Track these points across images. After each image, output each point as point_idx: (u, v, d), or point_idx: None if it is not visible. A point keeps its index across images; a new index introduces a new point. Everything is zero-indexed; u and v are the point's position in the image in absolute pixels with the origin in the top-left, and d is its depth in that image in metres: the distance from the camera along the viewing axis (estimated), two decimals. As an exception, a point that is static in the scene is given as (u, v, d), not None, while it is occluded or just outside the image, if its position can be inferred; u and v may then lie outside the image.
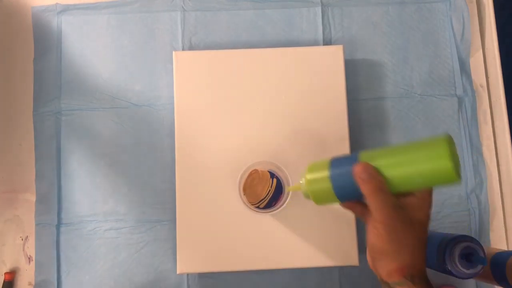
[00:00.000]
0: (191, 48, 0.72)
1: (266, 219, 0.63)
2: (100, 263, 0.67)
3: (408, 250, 0.40)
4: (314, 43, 0.72)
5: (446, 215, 0.68)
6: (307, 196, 0.44)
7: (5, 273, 0.66)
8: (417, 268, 0.40)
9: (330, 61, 0.66)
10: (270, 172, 0.62)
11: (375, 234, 0.40)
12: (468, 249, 0.52)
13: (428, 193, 0.41)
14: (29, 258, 0.67)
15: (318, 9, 0.73)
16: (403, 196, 0.41)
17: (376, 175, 0.39)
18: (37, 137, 0.70)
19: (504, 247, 0.68)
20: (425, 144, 0.39)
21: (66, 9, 0.73)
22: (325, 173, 0.42)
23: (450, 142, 0.38)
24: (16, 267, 0.67)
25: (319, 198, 0.43)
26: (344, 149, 0.64)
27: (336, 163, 0.43)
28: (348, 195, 0.42)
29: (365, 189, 0.39)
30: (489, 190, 0.69)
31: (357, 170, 0.40)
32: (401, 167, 0.40)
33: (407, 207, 0.40)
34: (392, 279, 0.40)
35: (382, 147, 0.43)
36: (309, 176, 0.43)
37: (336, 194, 0.42)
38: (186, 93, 0.66)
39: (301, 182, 0.45)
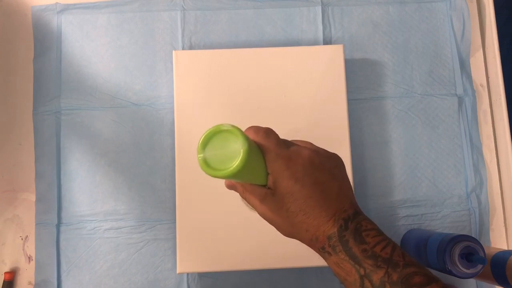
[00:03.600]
0: (191, 47, 0.72)
1: (266, 219, 0.63)
2: (100, 263, 0.67)
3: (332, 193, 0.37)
4: (314, 42, 0.72)
5: (446, 215, 0.68)
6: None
7: (5, 273, 0.66)
8: (351, 207, 0.37)
9: (330, 61, 0.66)
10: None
11: (292, 193, 0.36)
12: (468, 249, 0.52)
13: (272, 161, 0.37)
14: (29, 258, 0.67)
15: (318, 9, 0.73)
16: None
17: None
18: (37, 136, 0.70)
19: (504, 247, 0.68)
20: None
21: (66, 8, 0.72)
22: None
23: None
24: (16, 267, 0.67)
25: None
26: (344, 149, 0.64)
27: None
28: None
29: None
30: (489, 190, 0.69)
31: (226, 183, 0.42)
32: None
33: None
34: (327, 230, 0.36)
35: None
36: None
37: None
38: (186, 93, 0.65)
39: None
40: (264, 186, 0.39)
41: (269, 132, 0.37)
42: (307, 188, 0.36)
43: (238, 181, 0.40)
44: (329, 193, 0.37)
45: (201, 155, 0.35)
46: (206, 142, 0.35)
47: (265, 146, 0.37)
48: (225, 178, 0.36)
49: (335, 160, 0.40)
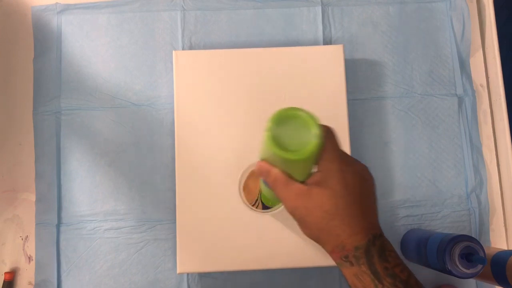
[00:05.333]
0: (191, 47, 0.72)
1: (266, 219, 0.63)
2: (100, 263, 0.67)
3: (371, 208, 0.39)
4: (314, 42, 0.72)
5: (446, 215, 0.68)
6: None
7: (5, 273, 0.66)
8: (378, 227, 0.39)
9: (330, 61, 0.66)
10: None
11: (336, 189, 0.37)
12: (468, 249, 0.52)
13: (329, 161, 0.38)
14: (29, 258, 0.67)
15: (318, 9, 0.73)
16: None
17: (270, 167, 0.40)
18: (37, 136, 0.70)
19: (504, 247, 0.68)
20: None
21: (66, 8, 0.72)
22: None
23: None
24: (16, 267, 0.67)
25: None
26: (344, 149, 0.64)
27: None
28: None
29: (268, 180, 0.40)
30: (489, 190, 0.69)
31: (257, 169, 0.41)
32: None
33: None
34: (357, 241, 0.37)
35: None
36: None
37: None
38: (186, 93, 0.65)
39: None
40: (301, 182, 0.39)
41: (331, 132, 0.39)
42: (353, 196, 0.38)
43: (284, 168, 0.39)
44: (368, 207, 0.39)
45: (270, 132, 0.35)
46: (278, 120, 0.36)
47: (326, 144, 0.38)
48: (285, 160, 0.36)
49: (373, 181, 0.42)
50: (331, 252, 0.39)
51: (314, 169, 0.39)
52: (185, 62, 0.66)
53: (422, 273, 0.66)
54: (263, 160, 0.40)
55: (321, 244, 0.40)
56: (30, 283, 0.67)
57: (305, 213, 0.39)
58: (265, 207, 0.60)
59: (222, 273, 0.66)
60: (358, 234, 0.37)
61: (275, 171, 0.39)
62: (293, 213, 0.40)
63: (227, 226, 0.62)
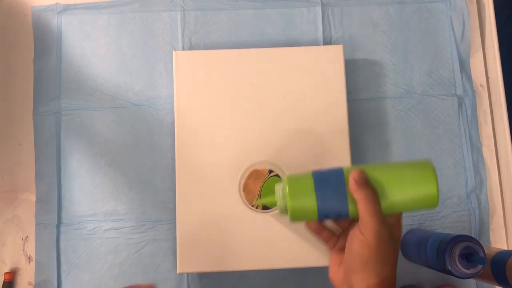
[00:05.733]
0: (191, 47, 0.72)
1: (266, 219, 0.63)
2: (100, 263, 0.67)
3: (390, 263, 0.39)
4: (314, 43, 0.72)
5: (446, 215, 0.68)
6: (283, 211, 0.42)
7: (5, 273, 0.66)
8: (394, 285, 0.40)
9: (330, 61, 0.66)
10: (269, 171, 0.61)
11: (362, 241, 0.39)
12: (468, 249, 0.52)
13: (401, 215, 0.42)
14: (29, 258, 0.67)
15: (318, 9, 0.73)
16: None
17: (370, 183, 0.40)
18: (37, 137, 0.70)
19: (504, 247, 0.68)
20: (414, 170, 0.41)
21: (66, 9, 0.72)
22: (310, 188, 0.41)
23: (434, 169, 0.40)
24: (16, 267, 0.67)
25: (297, 215, 0.42)
26: (344, 149, 0.64)
27: (319, 176, 0.42)
28: (330, 211, 0.41)
29: (360, 194, 0.39)
30: (489, 190, 0.69)
31: (354, 175, 0.40)
32: (391, 189, 0.40)
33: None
34: None
35: (366, 164, 0.44)
36: (292, 191, 0.41)
37: (319, 209, 0.40)
38: (186, 93, 0.65)
39: (277, 195, 0.43)
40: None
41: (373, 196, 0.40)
42: (384, 244, 0.39)
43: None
44: (393, 259, 0.40)
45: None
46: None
47: (364, 203, 0.39)
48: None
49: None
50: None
51: None
52: (185, 62, 0.66)
53: (422, 273, 0.66)
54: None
55: (348, 279, 0.41)
56: (30, 283, 0.67)
57: (387, 237, 0.40)
58: (265, 207, 0.60)
59: (222, 273, 0.66)
60: (378, 284, 0.39)
61: (374, 188, 0.40)
62: (375, 229, 0.40)
63: (227, 226, 0.62)
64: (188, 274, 0.66)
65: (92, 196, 0.68)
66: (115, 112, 0.70)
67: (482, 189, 0.69)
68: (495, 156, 0.71)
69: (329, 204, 0.41)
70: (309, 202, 0.40)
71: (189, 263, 0.62)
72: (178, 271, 0.61)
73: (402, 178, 0.41)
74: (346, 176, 0.41)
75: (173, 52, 0.66)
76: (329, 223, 0.44)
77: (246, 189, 0.61)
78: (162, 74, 0.71)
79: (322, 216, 0.41)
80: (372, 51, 0.72)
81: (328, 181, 0.41)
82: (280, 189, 0.43)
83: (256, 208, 0.60)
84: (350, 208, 0.40)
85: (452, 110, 0.71)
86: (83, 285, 0.66)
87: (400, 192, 0.40)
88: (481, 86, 0.73)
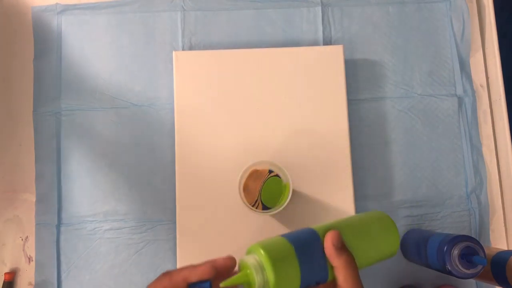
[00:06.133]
0: (191, 48, 0.72)
1: (266, 219, 0.63)
2: (100, 263, 0.67)
3: None
4: (314, 43, 0.72)
5: (446, 215, 0.68)
6: (260, 286, 0.36)
7: (5, 273, 0.66)
8: None
9: (330, 61, 0.66)
10: (269, 172, 0.61)
11: None
12: (468, 249, 0.52)
13: None
14: (29, 258, 0.67)
15: (318, 9, 0.73)
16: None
17: (346, 247, 0.39)
18: (37, 137, 0.70)
19: (504, 247, 0.68)
20: (378, 226, 0.43)
21: (66, 9, 0.73)
22: (291, 256, 0.37)
23: (393, 221, 0.44)
24: (16, 267, 0.67)
25: (281, 286, 0.36)
26: (344, 148, 0.64)
27: (296, 241, 0.38)
28: (311, 278, 0.38)
29: (339, 260, 0.38)
30: (489, 190, 0.69)
31: (332, 239, 0.38)
32: (361, 247, 0.41)
33: None
34: None
35: (329, 222, 0.42)
36: (272, 262, 0.36)
37: (302, 278, 0.37)
38: (186, 93, 0.65)
39: (252, 268, 0.37)
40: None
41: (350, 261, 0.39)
42: None
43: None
44: None
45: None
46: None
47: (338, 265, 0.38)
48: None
49: None
50: None
51: None
52: (185, 62, 0.66)
53: (422, 273, 0.66)
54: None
55: None
56: (30, 284, 0.67)
57: None
58: (265, 207, 0.60)
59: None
60: None
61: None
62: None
63: (227, 226, 0.62)
64: (188, 274, 0.66)
65: (92, 196, 0.68)
66: (115, 112, 0.70)
67: (482, 189, 0.69)
68: (495, 156, 0.71)
69: (311, 272, 0.37)
70: (292, 272, 0.36)
71: (189, 263, 0.62)
72: (178, 271, 0.61)
73: (368, 235, 0.42)
74: (321, 239, 0.39)
75: (173, 52, 0.66)
76: None
77: (246, 189, 0.61)
78: (162, 75, 0.71)
79: (303, 285, 0.37)
80: (372, 51, 0.72)
81: (307, 247, 0.38)
82: (253, 260, 0.38)
83: (256, 208, 0.60)
84: (330, 273, 0.38)
85: (452, 110, 0.71)
86: (83, 285, 0.66)
87: (368, 249, 0.41)
88: (481, 86, 0.73)
